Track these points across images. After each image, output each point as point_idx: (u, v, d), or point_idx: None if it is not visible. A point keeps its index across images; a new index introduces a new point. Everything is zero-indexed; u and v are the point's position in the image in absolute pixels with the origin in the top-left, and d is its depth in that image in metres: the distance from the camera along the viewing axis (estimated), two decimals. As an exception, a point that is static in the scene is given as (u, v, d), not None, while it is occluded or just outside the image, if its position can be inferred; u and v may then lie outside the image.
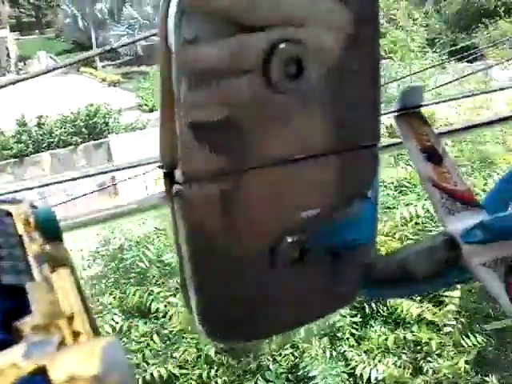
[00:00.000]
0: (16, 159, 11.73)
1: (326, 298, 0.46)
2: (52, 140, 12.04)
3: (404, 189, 4.05)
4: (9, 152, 11.82)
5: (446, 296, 3.34)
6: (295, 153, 0.41)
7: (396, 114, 0.55)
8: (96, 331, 0.38)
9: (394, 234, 3.68)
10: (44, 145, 12.01)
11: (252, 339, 0.49)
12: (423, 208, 3.62)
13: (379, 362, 3.21)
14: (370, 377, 3.19)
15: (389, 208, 3.94)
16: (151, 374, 3.08)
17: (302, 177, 0.42)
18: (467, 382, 3.00)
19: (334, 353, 3.35)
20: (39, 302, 0.38)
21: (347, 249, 0.44)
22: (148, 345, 3.22)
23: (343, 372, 3.27)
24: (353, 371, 3.27)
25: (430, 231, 3.69)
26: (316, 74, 0.40)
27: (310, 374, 3.17)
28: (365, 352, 3.36)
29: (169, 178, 0.40)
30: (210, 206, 0.40)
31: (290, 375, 3.18)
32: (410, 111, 0.56)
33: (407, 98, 0.57)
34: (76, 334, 0.36)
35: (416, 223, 3.73)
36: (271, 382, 3.08)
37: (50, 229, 0.47)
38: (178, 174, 0.39)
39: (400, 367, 3.20)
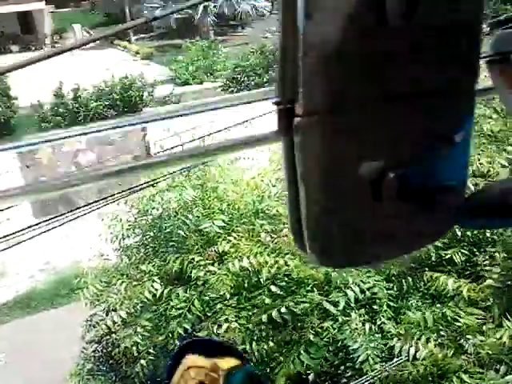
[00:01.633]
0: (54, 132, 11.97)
1: (419, 233, 0.49)
2: (88, 113, 12.21)
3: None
4: (47, 125, 12.06)
5: (486, 271, 3.29)
6: (403, 90, 0.43)
7: (489, 59, 0.55)
8: None
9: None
10: (80, 117, 12.19)
11: (353, 266, 0.53)
12: None
13: (418, 339, 3.19)
14: (408, 353, 3.18)
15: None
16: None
17: (405, 114, 0.44)
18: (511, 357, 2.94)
19: (374, 326, 3.35)
20: None
21: (439, 190, 0.46)
22: (189, 310, 3.28)
23: (382, 345, 3.28)
24: (392, 346, 3.26)
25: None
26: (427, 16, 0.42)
27: (351, 347, 3.19)
28: (403, 329, 3.34)
29: (286, 113, 0.42)
30: (329, 137, 0.42)
31: (330, 347, 3.21)
32: (504, 57, 0.55)
33: (501, 43, 0.56)
34: None
35: None
36: (313, 354, 3.12)
37: None
38: (298, 107, 0.41)
39: (439, 345, 3.16)
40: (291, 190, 0.44)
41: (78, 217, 3.05)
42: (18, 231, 2.44)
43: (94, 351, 4.50)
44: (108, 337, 4.50)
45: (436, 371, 3.06)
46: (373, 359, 3.14)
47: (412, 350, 3.19)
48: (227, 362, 0.68)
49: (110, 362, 4.36)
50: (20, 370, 7.43)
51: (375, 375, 3.01)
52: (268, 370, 3.13)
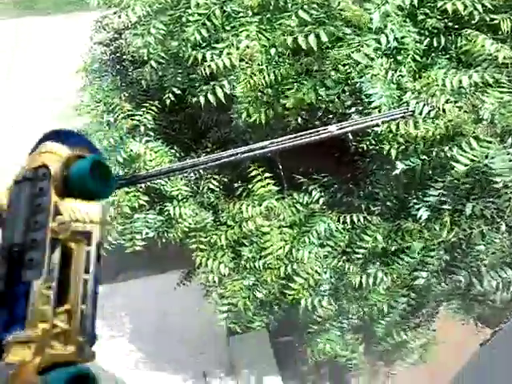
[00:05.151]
0: None
1: None
2: None
3: None
4: None
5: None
6: None
7: None
8: (83, 330, 0.50)
9: None
10: None
11: None
12: None
13: (437, 101, 3.07)
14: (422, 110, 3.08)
15: None
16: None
17: None
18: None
19: (394, 77, 3.22)
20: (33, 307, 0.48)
21: None
22: (209, 18, 3.02)
23: (397, 97, 3.18)
24: (407, 101, 3.16)
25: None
26: None
27: (367, 92, 3.08)
28: (423, 86, 3.20)
29: None
30: None
31: (346, 87, 3.10)
32: None
33: None
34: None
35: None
36: (329, 88, 3.02)
37: (82, 187, 0.55)
38: None
39: (458, 108, 3.06)
40: None
41: None
42: None
43: (102, 53, 4.39)
44: (117, 41, 4.36)
45: (447, 133, 3.02)
46: (385, 106, 3.08)
47: (427, 108, 3.12)
48: (79, 151, 0.60)
49: (118, 67, 4.29)
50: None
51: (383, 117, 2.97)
52: (278, 95, 3.07)
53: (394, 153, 3.06)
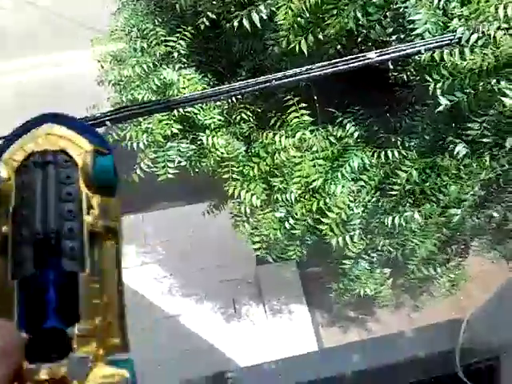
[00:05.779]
0: None
1: None
2: None
3: None
4: None
5: None
6: None
7: None
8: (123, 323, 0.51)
9: None
10: None
11: None
12: None
13: (487, 28, 2.87)
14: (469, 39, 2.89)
15: None
16: None
17: None
18: None
19: (441, 2, 3.02)
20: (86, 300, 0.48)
21: None
22: None
23: (443, 24, 3.00)
24: (453, 29, 2.98)
25: None
26: None
27: (411, 18, 2.92)
28: (472, 12, 3.00)
29: None
30: None
31: (388, 12, 2.92)
32: None
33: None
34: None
35: None
36: (370, 14, 2.84)
37: (105, 184, 0.54)
38: None
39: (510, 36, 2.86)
40: None
41: None
42: None
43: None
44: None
45: (496, 63, 2.85)
46: (429, 33, 2.92)
47: (475, 36, 2.94)
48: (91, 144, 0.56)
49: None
50: None
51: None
52: (318, 21, 2.93)
53: (438, 85, 2.92)
